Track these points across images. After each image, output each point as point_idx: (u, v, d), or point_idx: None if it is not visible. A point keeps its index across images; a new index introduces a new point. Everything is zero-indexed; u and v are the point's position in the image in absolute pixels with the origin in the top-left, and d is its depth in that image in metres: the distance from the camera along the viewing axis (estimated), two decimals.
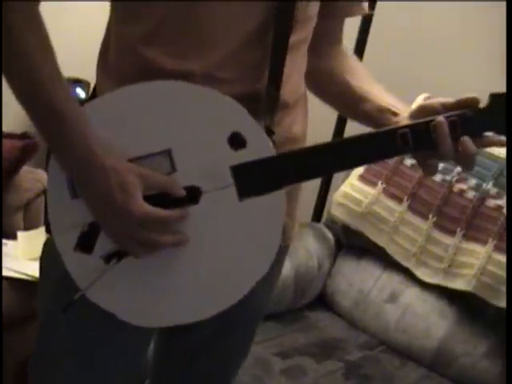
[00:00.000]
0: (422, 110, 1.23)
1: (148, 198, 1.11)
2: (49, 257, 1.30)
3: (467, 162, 1.22)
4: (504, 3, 2.45)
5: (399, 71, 2.93)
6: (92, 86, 1.28)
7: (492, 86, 1.29)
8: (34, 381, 1.42)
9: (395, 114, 1.29)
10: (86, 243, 1.17)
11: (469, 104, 1.19)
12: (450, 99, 1.22)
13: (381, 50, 2.95)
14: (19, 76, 1.10)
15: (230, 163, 1.15)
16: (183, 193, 1.14)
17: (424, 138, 1.18)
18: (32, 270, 2.29)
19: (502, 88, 1.26)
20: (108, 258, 1.17)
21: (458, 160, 1.22)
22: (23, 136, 2.52)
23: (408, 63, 2.96)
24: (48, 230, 1.44)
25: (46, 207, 1.30)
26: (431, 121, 1.18)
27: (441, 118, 1.17)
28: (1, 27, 1.08)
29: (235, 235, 1.18)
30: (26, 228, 2.53)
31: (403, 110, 1.29)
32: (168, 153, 1.14)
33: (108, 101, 1.17)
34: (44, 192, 2.57)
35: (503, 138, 1.23)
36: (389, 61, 2.95)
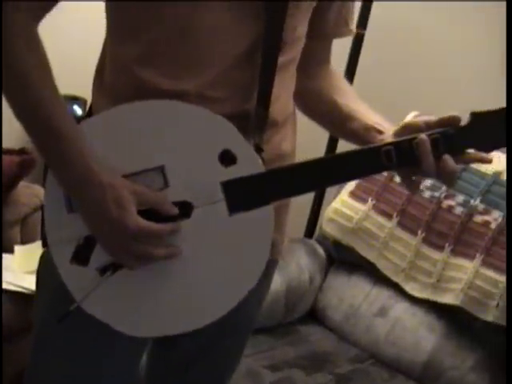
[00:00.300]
0: (406, 128, 1.27)
1: (142, 213, 1.15)
2: (45, 269, 1.33)
3: (449, 179, 1.25)
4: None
5: (391, 89, 2.98)
6: (89, 103, 1.31)
7: (484, 101, 1.33)
8: None
9: (380, 132, 1.32)
10: (81, 256, 1.21)
11: (450, 122, 1.23)
12: (433, 117, 1.25)
13: (373, 67, 2.99)
14: (18, 95, 1.15)
15: (220, 179, 1.18)
16: (175, 210, 1.18)
17: (407, 155, 1.22)
18: (28, 283, 2.32)
19: (497, 101, 1.30)
20: (103, 270, 1.20)
21: (440, 177, 1.25)
22: (21, 152, 2.54)
23: (401, 81, 3.02)
24: (44, 244, 1.48)
25: (42, 221, 1.32)
26: (414, 138, 1.22)
27: (423, 136, 1.21)
28: (1, 47, 1.12)
29: (225, 248, 1.22)
30: (23, 242, 2.55)
31: (388, 128, 1.33)
32: (161, 169, 1.18)
33: (104, 119, 1.20)
34: (41, 207, 2.60)
35: (484, 155, 1.27)
36: (381, 80, 3.00)
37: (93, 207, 1.16)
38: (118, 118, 1.20)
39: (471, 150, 1.26)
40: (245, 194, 1.20)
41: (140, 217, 1.15)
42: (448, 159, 1.22)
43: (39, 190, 2.64)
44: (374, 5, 2.89)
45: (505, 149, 2.22)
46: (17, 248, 2.49)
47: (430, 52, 2.98)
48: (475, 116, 1.25)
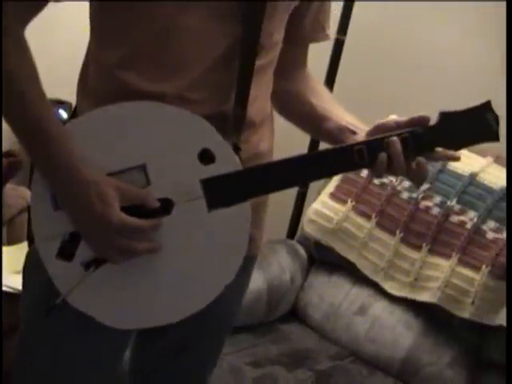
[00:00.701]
0: (378, 129, 1.32)
1: (125, 209, 1.20)
2: (32, 265, 1.38)
3: (418, 180, 1.31)
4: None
5: (373, 92, 3.02)
6: (73, 106, 1.37)
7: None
8: None
9: (354, 133, 1.38)
10: (67, 251, 1.25)
11: (420, 122, 1.29)
12: (403, 118, 1.31)
13: (354, 71, 3.04)
14: (7, 98, 1.19)
15: (199, 177, 1.24)
16: (157, 204, 1.22)
17: (378, 154, 1.27)
18: (16, 282, 2.34)
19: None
20: (87, 265, 1.25)
21: (410, 176, 1.31)
22: (7, 154, 2.54)
23: (382, 84, 3.06)
24: (30, 245, 1.51)
25: (29, 222, 1.35)
26: (384, 137, 1.28)
27: (394, 138, 1.27)
28: None
29: (204, 243, 1.27)
30: (10, 243, 2.56)
31: (362, 129, 1.38)
32: (143, 168, 1.23)
33: (87, 120, 1.25)
34: (27, 208, 2.62)
35: (453, 153, 1.33)
36: (361, 82, 3.05)
37: (78, 203, 1.20)
38: (101, 119, 1.24)
39: (440, 149, 1.32)
40: (223, 191, 1.25)
41: (123, 213, 1.19)
42: (421, 161, 1.27)
43: (25, 192, 2.64)
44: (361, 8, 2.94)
45: (482, 150, 2.28)
46: (4, 249, 2.49)
47: (418, 55, 3.01)
48: (444, 115, 1.31)
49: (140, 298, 1.28)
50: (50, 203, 1.25)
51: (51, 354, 1.39)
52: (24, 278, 1.44)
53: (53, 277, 1.26)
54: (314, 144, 2.92)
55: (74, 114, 1.35)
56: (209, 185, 1.24)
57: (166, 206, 1.24)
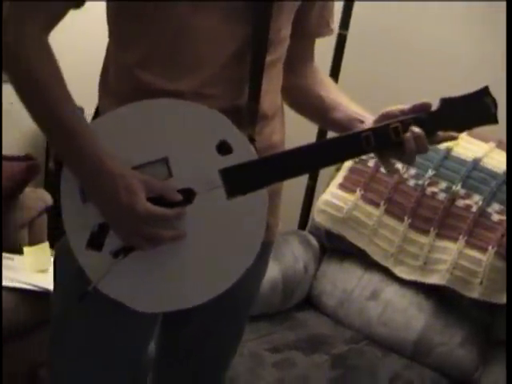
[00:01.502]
0: (384, 116, 1.39)
1: (150, 200, 1.27)
2: (62, 256, 1.45)
3: (410, 158, 1.38)
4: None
5: (376, 83, 3.08)
6: (86, 111, 1.41)
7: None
8: (51, 373, 1.57)
9: (361, 122, 1.45)
10: (96, 242, 1.33)
11: (422, 108, 1.37)
12: (406, 105, 1.38)
13: (357, 64, 3.09)
14: (36, 101, 1.27)
15: (218, 167, 1.31)
16: (179, 197, 1.30)
17: (384, 139, 1.35)
18: (39, 281, 2.43)
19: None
20: (116, 254, 1.33)
21: (402, 158, 1.39)
22: (26, 158, 2.62)
23: (385, 75, 3.11)
24: (51, 245, 1.57)
25: (49, 223, 1.43)
26: (389, 124, 1.35)
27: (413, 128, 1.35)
28: (13, 57, 1.26)
29: (224, 230, 1.34)
30: (31, 243, 2.63)
31: (368, 117, 1.45)
32: (165, 161, 1.30)
33: (111, 118, 1.33)
34: (46, 209, 2.69)
35: (450, 133, 1.39)
36: (365, 74, 3.11)
37: (106, 195, 1.28)
38: (123, 117, 1.32)
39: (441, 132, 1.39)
40: (241, 180, 1.32)
41: (149, 203, 1.27)
42: (410, 139, 1.34)
43: (44, 194, 2.73)
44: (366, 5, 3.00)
45: (485, 136, 2.33)
46: (26, 249, 2.58)
47: (419, 46, 3.06)
48: (444, 101, 1.38)
49: (166, 282, 1.35)
50: (78, 197, 1.32)
51: (82, 336, 1.46)
52: (55, 268, 1.51)
53: (83, 266, 1.34)
54: (321, 134, 2.98)
55: (96, 113, 1.42)
56: (227, 174, 1.31)
57: (188, 195, 1.31)
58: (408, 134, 1.34)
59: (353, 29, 3.01)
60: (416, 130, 1.34)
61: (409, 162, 1.39)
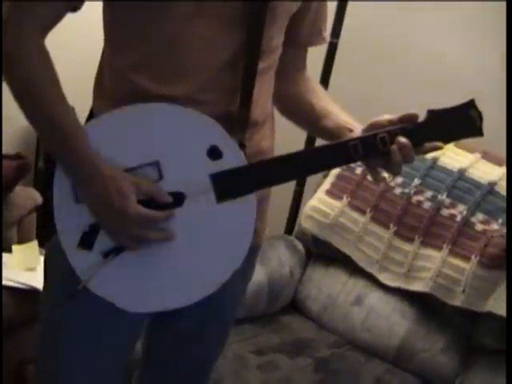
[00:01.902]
0: (372, 126, 1.41)
1: (140, 202, 1.30)
2: (54, 256, 1.47)
3: (397, 170, 1.40)
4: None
5: (366, 92, 3.10)
6: (77, 111, 1.44)
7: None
8: (38, 371, 1.60)
9: (351, 131, 1.47)
10: (87, 242, 1.35)
11: (409, 119, 1.39)
12: (394, 116, 1.41)
13: (347, 73, 3.12)
14: (32, 103, 1.30)
15: (209, 171, 1.33)
16: (169, 199, 1.33)
17: (371, 148, 1.38)
18: (27, 279, 2.44)
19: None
20: (106, 254, 1.35)
21: (387, 168, 1.40)
22: (17, 157, 2.63)
23: (376, 84, 3.14)
24: (40, 244, 1.58)
25: (38, 222, 1.44)
26: (377, 134, 1.37)
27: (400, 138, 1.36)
28: (11, 58, 1.27)
29: (214, 232, 1.37)
30: (20, 242, 2.64)
31: (357, 126, 1.47)
32: (156, 164, 1.32)
33: (104, 121, 1.35)
34: (36, 208, 2.69)
35: (436, 143, 1.41)
36: (355, 83, 3.13)
37: (98, 197, 1.30)
38: (117, 120, 1.34)
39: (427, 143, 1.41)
40: (230, 185, 1.35)
41: (139, 205, 1.30)
42: (395, 150, 1.36)
43: (33, 193, 2.73)
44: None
45: (471, 147, 2.35)
46: (14, 247, 2.59)
47: (410, 56, 3.09)
48: (431, 113, 1.41)
49: (154, 283, 1.38)
50: (71, 197, 1.34)
51: (71, 334, 1.48)
52: (46, 267, 1.53)
53: (74, 265, 1.36)
54: (310, 141, 3.01)
55: (90, 115, 1.44)
56: (217, 179, 1.34)
57: (178, 198, 1.33)
58: (394, 146, 1.36)
59: (344, 37, 3.04)
60: (402, 140, 1.36)
61: (395, 172, 1.41)
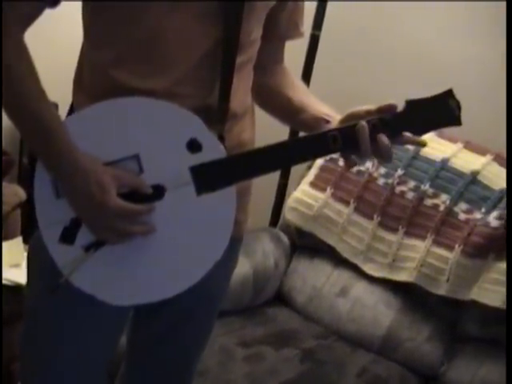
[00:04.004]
0: (350, 117, 1.42)
1: (121, 196, 1.30)
2: (36, 250, 1.48)
3: (384, 156, 1.40)
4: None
5: (347, 84, 3.11)
6: (60, 107, 1.44)
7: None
8: (23, 366, 1.61)
9: (328, 122, 1.48)
10: (68, 236, 1.36)
11: (388, 109, 1.39)
12: (373, 106, 1.41)
13: (329, 65, 3.13)
14: (7, 95, 1.29)
15: (188, 164, 1.34)
16: (150, 190, 1.33)
17: (350, 139, 1.38)
18: (11, 275, 2.44)
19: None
20: (87, 248, 1.36)
21: (377, 155, 1.40)
22: (0, 153, 2.63)
23: (359, 76, 3.14)
24: (25, 240, 1.57)
25: (22, 218, 1.44)
26: (355, 124, 1.38)
27: (363, 123, 1.37)
28: None
29: (194, 225, 1.37)
30: (4, 238, 2.61)
31: (335, 117, 1.48)
32: (136, 157, 1.33)
33: (84, 115, 1.35)
34: (20, 204, 2.69)
35: (419, 139, 1.44)
36: (337, 75, 3.15)
37: (78, 191, 1.31)
38: (97, 115, 1.34)
39: (408, 134, 1.42)
40: (210, 177, 1.36)
41: (119, 198, 1.30)
42: (382, 137, 1.37)
43: (18, 189, 2.71)
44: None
45: (453, 137, 2.36)
46: None
47: (392, 48, 3.09)
48: (410, 103, 1.41)
49: (137, 276, 1.38)
50: (52, 192, 1.35)
51: (55, 328, 1.49)
52: (29, 262, 1.53)
53: (56, 259, 1.37)
54: (293, 134, 2.97)
55: (70, 110, 1.44)
56: (197, 171, 1.34)
57: (159, 191, 1.34)
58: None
59: (326, 29, 3.04)
60: (382, 139, 1.37)
61: (385, 159, 1.41)
